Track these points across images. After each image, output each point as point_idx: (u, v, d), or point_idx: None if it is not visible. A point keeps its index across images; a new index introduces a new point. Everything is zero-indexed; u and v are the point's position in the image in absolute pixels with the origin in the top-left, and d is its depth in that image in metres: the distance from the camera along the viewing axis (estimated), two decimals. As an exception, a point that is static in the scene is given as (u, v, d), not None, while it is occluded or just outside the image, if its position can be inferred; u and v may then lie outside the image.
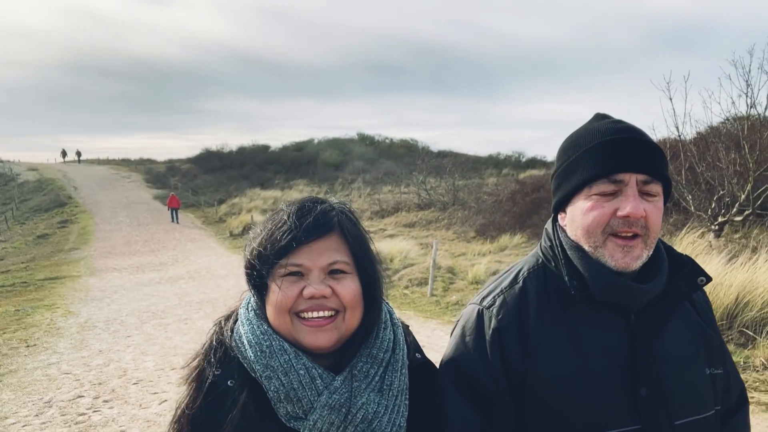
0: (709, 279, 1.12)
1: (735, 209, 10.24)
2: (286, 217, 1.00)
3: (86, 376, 5.28)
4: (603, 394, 1.03)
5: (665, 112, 21.48)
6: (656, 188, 1.04)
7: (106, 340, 6.81)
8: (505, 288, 1.12)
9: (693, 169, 10.98)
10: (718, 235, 10.24)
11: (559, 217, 1.14)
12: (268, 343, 0.97)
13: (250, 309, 1.04)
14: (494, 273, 9.19)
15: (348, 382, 0.98)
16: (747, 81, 10.25)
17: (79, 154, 55.67)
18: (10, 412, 4.44)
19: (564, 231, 1.11)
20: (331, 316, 0.97)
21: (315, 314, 0.96)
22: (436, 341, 6.13)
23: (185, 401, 1.00)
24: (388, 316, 1.08)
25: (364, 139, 44.86)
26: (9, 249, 21.46)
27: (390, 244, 13.15)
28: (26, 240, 22.76)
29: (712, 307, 1.22)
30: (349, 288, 0.98)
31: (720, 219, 10.36)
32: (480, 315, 1.11)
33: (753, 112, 10.34)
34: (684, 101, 12.82)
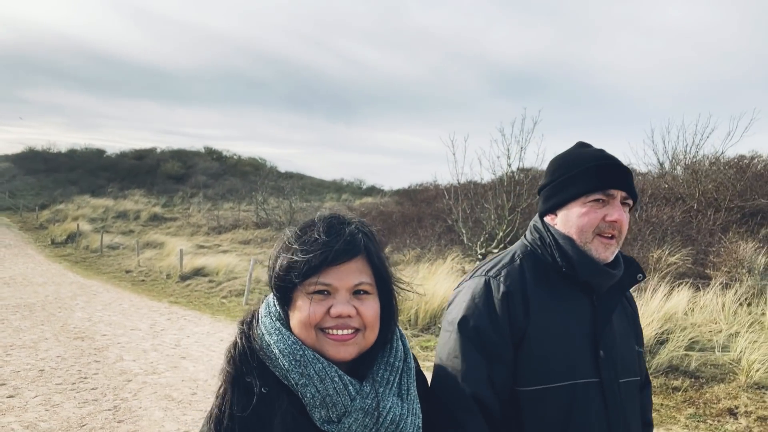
0: (644, 276, 1.48)
1: (495, 243, 13.19)
2: (317, 236, 1.05)
3: None
4: (575, 352, 1.33)
5: (449, 163, 25.32)
6: (630, 202, 1.39)
7: None
8: (507, 263, 1.41)
9: (471, 210, 13.88)
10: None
11: (547, 218, 1.46)
12: (301, 353, 1.02)
13: (274, 318, 1.08)
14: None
15: (374, 387, 1.06)
16: (506, 147, 13.42)
17: None
18: None
19: (554, 227, 1.42)
20: (353, 333, 1.05)
21: (339, 331, 1.03)
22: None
23: (227, 405, 1.03)
24: (397, 328, 1.17)
25: (211, 153, 44.59)
26: None
27: (217, 259, 14.26)
28: None
29: (634, 299, 1.61)
30: (371, 308, 1.06)
31: (484, 249, 13.24)
32: (487, 283, 1.36)
33: (509, 169, 13.51)
34: (464, 156, 15.79)
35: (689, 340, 5.42)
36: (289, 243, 1.08)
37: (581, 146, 1.47)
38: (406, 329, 7.53)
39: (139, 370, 5.97)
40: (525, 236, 1.50)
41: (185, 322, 8.74)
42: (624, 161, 1.45)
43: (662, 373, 4.98)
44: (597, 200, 1.35)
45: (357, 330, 1.05)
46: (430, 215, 17.17)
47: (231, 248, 19.62)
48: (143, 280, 13.50)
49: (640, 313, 5.82)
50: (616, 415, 1.33)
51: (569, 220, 1.38)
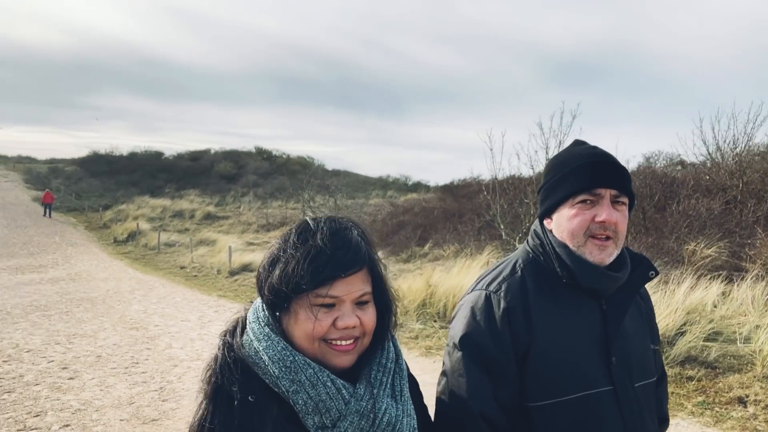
0: (657, 273, 1.41)
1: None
2: (322, 244, 1.01)
3: (-17, 349, 6.61)
4: (585, 363, 1.27)
5: (486, 158, 24.72)
6: (624, 200, 1.31)
7: (-6, 325, 8.01)
8: (507, 275, 1.34)
9: (510, 205, 13.93)
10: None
11: (545, 222, 1.39)
12: (291, 358, 1.00)
13: (263, 324, 1.04)
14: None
15: (369, 389, 1.05)
16: (545, 141, 13.40)
17: None
18: (-77, 369, 5.75)
19: (551, 233, 1.36)
20: (354, 341, 1.05)
21: (343, 342, 1.03)
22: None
23: (209, 418, 0.99)
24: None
25: (261, 153, 45.98)
26: None
27: (260, 255, 14.88)
28: None
29: (649, 295, 1.53)
30: (371, 316, 1.06)
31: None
32: (488, 298, 1.31)
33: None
34: (501, 151, 15.81)
35: (710, 331, 5.43)
36: (290, 250, 1.03)
37: (575, 144, 1.42)
38: (435, 321, 7.80)
39: (185, 356, 6.51)
40: (527, 241, 1.43)
41: (231, 314, 9.23)
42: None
43: (678, 364, 5.04)
44: (585, 201, 1.29)
45: (357, 338, 1.04)
46: (470, 210, 17.27)
47: (278, 245, 20.32)
48: (196, 276, 14.30)
49: (663, 304, 5.91)
50: (633, 423, 1.29)
51: (561, 224, 1.33)
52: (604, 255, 1.28)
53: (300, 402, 0.99)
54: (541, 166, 13.84)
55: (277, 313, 1.03)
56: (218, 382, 1.01)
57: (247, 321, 1.08)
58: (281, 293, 1.01)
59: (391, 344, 1.14)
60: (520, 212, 13.82)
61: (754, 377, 4.62)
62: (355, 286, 1.03)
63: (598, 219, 1.27)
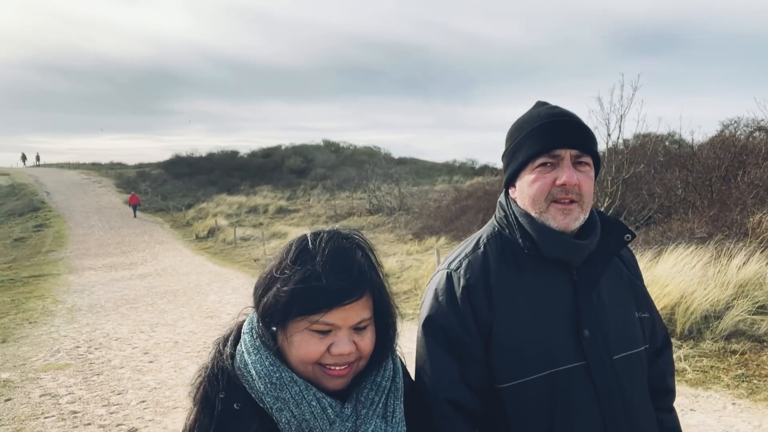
0: (633, 236, 1.34)
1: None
2: (320, 270, 0.97)
3: (80, 337, 7.53)
4: (553, 337, 1.22)
5: None
6: (587, 160, 1.24)
7: (90, 317, 9.01)
8: (469, 252, 1.30)
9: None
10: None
11: (510, 191, 1.33)
12: (278, 375, 0.98)
13: (255, 336, 1.02)
14: (403, 268, 11.59)
15: (356, 410, 1.02)
16: (606, 116, 13.01)
17: (37, 157, 57.38)
18: (32, 355, 6.68)
19: (515, 202, 1.30)
20: (349, 366, 1.01)
21: (338, 367, 1.00)
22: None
23: (194, 424, 1.01)
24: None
25: (329, 146, 47.16)
26: (-12, 251, 23.15)
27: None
28: (3, 243, 24.38)
29: (637, 261, 1.44)
30: (368, 341, 1.02)
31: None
32: (449, 277, 1.27)
33: (608, 139, 13.07)
34: None
35: (761, 304, 5.27)
36: (287, 271, 0.99)
37: (537, 106, 1.34)
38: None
39: (250, 341, 7.10)
40: (495, 214, 1.38)
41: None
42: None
43: (723, 338, 4.97)
44: (545, 164, 1.22)
45: (352, 362, 1.02)
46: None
47: (346, 235, 20.97)
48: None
49: (714, 277, 5.75)
50: (610, 398, 1.22)
51: (523, 191, 1.27)
52: (569, 219, 1.22)
53: (283, 420, 0.98)
54: (602, 144, 13.47)
55: (273, 328, 1.00)
56: (205, 391, 1.00)
57: (242, 331, 1.06)
58: (276, 315, 0.98)
59: (390, 362, 1.09)
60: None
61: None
62: (353, 313, 0.99)
63: (558, 182, 1.21)
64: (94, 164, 57.23)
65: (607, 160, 13.01)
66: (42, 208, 31.71)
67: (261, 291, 1.02)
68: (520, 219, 1.27)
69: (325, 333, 0.98)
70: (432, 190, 29.06)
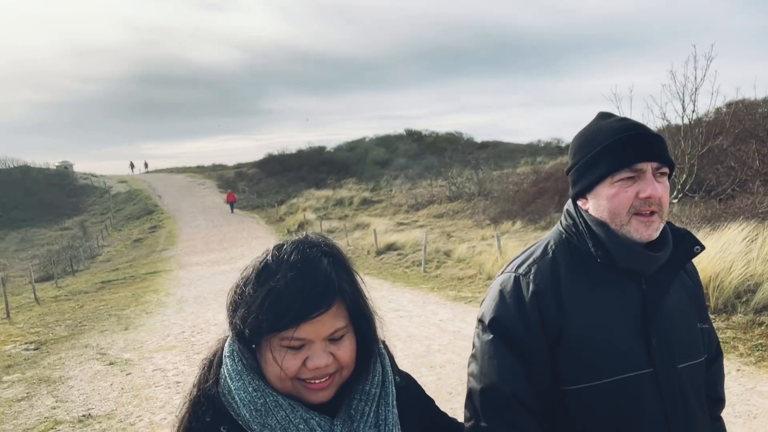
0: (702, 248, 1.35)
1: (674, 192, 12.64)
2: (284, 284, 0.94)
3: (185, 323, 8.85)
4: (622, 344, 1.24)
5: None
6: (665, 171, 1.26)
7: (195, 307, 10.42)
8: (538, 258, 1.32)
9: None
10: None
11: (578, 202, 1.33)
12: (262, 400, 0.95)
13: (237, 360, 0.98)
14: (473, 254, 12.08)
15: (347, 424, 1.00)
16: (680, 89, 12.64)
17: (146, 164, 62.75)
18: (148, 339, 8.03)
19: (587, 212, 1.30)
20: (330, 377, 0.98)
21: (317, 380, 0.97)
22: (406, 299, 9.28)
23: None
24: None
25: (411, 135, 47.83)
26: (113, 252, 26.29)
27: (406, 235, 16.29)
28: (125, 244, 27.57)
29: (697, 271, 1.47)
30: (347, 350, 0.99)
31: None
32: (517, 281, 1.29)
33: (684, 114, 12.67)
34: (630, 106, 15.21)
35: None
36: (252, 290, 0.96)
37: (601, 118, 1.34)
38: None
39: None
40: (560, 221, 1.39)
41: (371, 289, 10.72)
42: None
43: (754, 311, 5.12)
44: (626, 178, 1.23)
45: (333, 374, 0.99)
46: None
47: (426, 223, 21.66)
48: (350, 257, 16.03)
49: (759, 250, 5.78)
50: (674, 405, 1.26)
51: (600, 204, 1.27)
52: (651, 230, 1.24)
53: None
54: (674, 118, 13.06)
55: (253, 345, 0.97)
56: (189, 422, 0.98)
57: (224, 354, 1.02)
58: (245, 336, 0.95)
59: (379, 366, 1.06)
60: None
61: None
62: (325, 325, 0.95)
63: (642, 195, 1.22)
64: (198, 167, 61.95)
65: (683, 134, 12.66)
66: (155, 210, 35.19)
67: (230, 312, 0.99)
68: (594, 228, 1.28)
69: (298, 348, 0.95)
70: (513, 173, 28.86)
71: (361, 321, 1.01)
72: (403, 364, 4.89)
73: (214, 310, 9.81)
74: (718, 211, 8.32)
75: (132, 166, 62.08)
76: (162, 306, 10.98)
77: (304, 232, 1.06)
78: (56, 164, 55.39)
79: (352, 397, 1.02)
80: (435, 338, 6.38)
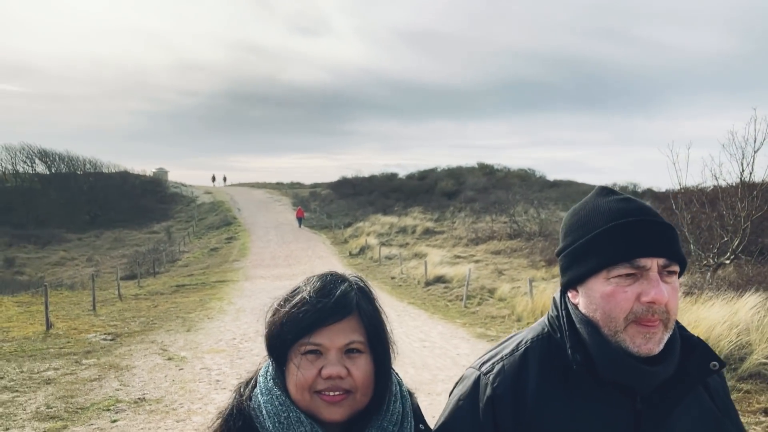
0: (723, 364, 1.07)
1: (727, 254, 12.49)
2: (307, 297, 1.05)
3: (238, 331, 9.95)
4: None
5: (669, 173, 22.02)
6: (674, 269, 1.01)
7: (250, 317, 11.54)
8: (506, 355, 1.11)
9: (696, 217, 13.33)
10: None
11: (569, 294, 1.11)
12: (285, 414, 1.02)
13: (269, 378, 1.08)
14: (514, 295, 12.48)
15: None
16: (742, 149, 12.57)
17: (225, 178, 66.82)
18: (203, 341, 9.18)
19: (576, 307, 1.08)
20: (344, 394, 1.03)
21: (331, 393, 1.02)
22: (436, 332, 9.92)
23: None
24: (398, 388, 1.13)
25: (483, 168, 48.21)
26: (191, 258, 28.53)
27: (455, 269, 16.85)
28: (203, 252, 29.80)
29: (729, 393, 1.16)
30: (362, 369, 1.04)
31: (715, 260, 12.67)
32: (477, 381, 1.11)
33: (743, 174, 12.54)
34: (686, 164, 15.18)
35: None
36: (279, 306, 1.10)
37: (600, 195, 1.11)
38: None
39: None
40: (548, 313, 1.18)
41: (408, 317, 11.46)
42: None
43: (739, 379, 5.39)
44: (624, 275, 1.00)
45: (348, 391, 1.03)
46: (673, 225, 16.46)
47: (482, 258, 22.02)
48: (400, 285, 16.96)
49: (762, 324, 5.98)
50: None
51: (593, 302, 1.04)
52: (652, 344, 0.99)
53: None
54: (729, 178, 12.91)
55: (284, 368, 1.06)
56: (221, 430, 1.07)
57: (258, 374, 1.13)
58: (272, 345, 1.08)
59: (399, 405, 1.10)
60: (714, 226, 13.07)
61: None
62: (341, 334, 1.03)
63: (644, 299, 0.99)
64: (278, 183, 65.18)
65: (740, 195, 12.54)
66: (233, 222, 37.64)
67: (265, 328, 1.12)
68: (578, 325, 1.06)
69: (315, 354, 1.03)
70: (580, 215, 28.53)
71: (377, 345, 1.07)
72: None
73: (264, 322, 10.89)
74: (736, 278, 8.41)
75: (213, 179, 66.02)
76: (222, 313, 12.23)
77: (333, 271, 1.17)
78: (153, 170, 60.21)
79: (369, 430, 1.06)
80: (445, 369, 7.00)
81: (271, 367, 1.11)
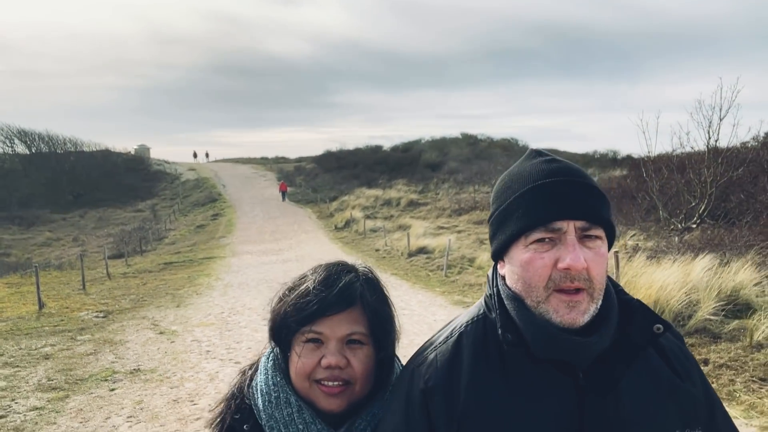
0: (667, 325, 1.00)
1: (695, 218, 13.07)
2: (311, 287, 1.06)
3: (226, 305, 10.36)
4: None
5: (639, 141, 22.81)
6: (598, 233, 0.95)
7: (237, 292, 11.95)
8: (439, 344, 1.05)
9: (665, 183, 13.86)
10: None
11: (499, 265, 1.05)
12: (276, 394, 1.05)
13: (270, 359, 1.11)
14: (490, 262, 12.96)
15: None
16: (708, 119, 13.04)
17: (207, 154, 66.38)
18: (193, 315, 9.58)
19: (503, 279, 1.02)
20: (343, 385, 1.04)
21: (330, 383, 1.03)
22: (416, 300, 10.41)
23: None
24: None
25: (467, 138, 48.50)
26: (177, 236, 28.74)
27: (437, 240, 17.34)
28: (189, 229, 30.00)
29: (690, 355, 1.07)
30: (362, 360, 1.04)
31: (682, 224, 13.24)
32: (411, 375, 1.04)
33: (709, 141, 13.06)
34: (656, 132, 15.60)
35: (724, 307, 6.04)
36: (284, 295, 1.11)
37: (527, 158, 1.04)
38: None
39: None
40: (485, 292, 1.09)
41: (390, 288, 11.78)
42: None
43: (686, 335, 5.92)
44: (542, 240, 0.93)
45: (347, 382, 1.03)
46: (645, 191, 17.03)
47: (465, 228, 22.52)
48: (384, 257, 17.42)
49: (714, 282, 6.53)
50: None
51: (514, 271, 0.98)
52: (575, 313, 0.92)
53: None
54: (696, 145, 13.41)
55: (288, 354, 1.08)
56: (222, 413, 1.11)
57: (261, 358, 1.15)
58: (276, 332, 1.11)
59: None
60: (682, 191, 13.61)
61: (743, 346, 5.37)
62: (342, 324, 1.04)
63: (560, 265, 0.92)
64: (262, 158, 65.01)
65: (706, 162, 13.06)
66: (218, 199, 37.73)
67: (270, 316, 1.14)
68: (506, 302, 1.00)
69: (316, 343, 1.04)
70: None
71: (381, 336, 1.07)
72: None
73: (251, 296, 11.29)
74: (699, 241, 8.94)
75: (195, 155, 65.40)
76: (210, 289, 12.61)
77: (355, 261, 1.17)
78: (135, 147, 59.62)
79: (358, 416, 1.06)
80: (422, 335, 7.48)
81: (274, 353, 1.13)
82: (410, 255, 16.45)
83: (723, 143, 12.88)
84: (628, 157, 39.43)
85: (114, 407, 5.27)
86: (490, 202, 1.07)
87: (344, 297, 1.06)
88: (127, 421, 4.90)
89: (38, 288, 11.42)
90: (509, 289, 1.00)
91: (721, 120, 12.59)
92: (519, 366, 0.97)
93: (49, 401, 5.50)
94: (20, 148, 49.00)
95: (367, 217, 26.03)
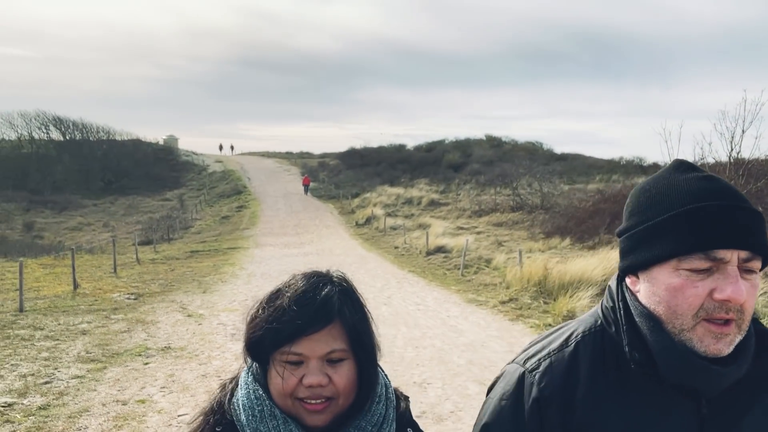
0: None
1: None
2: (286, 306, 1.03)
3: (249, 293, 10.85)
4: None
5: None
6: (757, 265, 0.87)
7: (260, 281, 12.44)
8: (554, 351, 0.99)
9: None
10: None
11: (628, 280, 0.97)
12: (259, 408, 1.03)
13: (249, 372, 1.09)
14: (511, 264, 13.26)
15: None
16: (731, 131, 13.11)
17: (232, 147, 67.06)
18: (218, 301, 10.09)
19: (634, 295, 0.95)
20: (326, 401, 1.02)
21: (313, 401, 1.02)
22: (432, 297, 10.78)
23: None
24: (383, 390, 1.11)
25: (490, 140, 48.56)
26: (203, 225, 29.54)
27: (456, 239, 17.64)
28: (214, 219, 30.78)
29: None
30: (344, 376, 1.03)
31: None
32: (521, 379, 0.99)
33: (732, 152, 13.11)
34: (678, 142, 15.56)
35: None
36: (260, 311, 1.08)
37: (677, 171, 0.93)
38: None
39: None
40: (602, 302, 1.02)
41: (406, 284, 12.31)
42: None
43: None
44: (697, 268, 0.86)
45: (330, 398, 1.02)
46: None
47: (484, 230, 22.80)
48: (402, 254, 17.80)
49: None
50: None
51: (656, 293, 0.90)
52: (722, 345, 0.86)
53: None
54: (718, 156, 13.46)
55: (266, 367, 1.06)
56: (200, 427, 1.08)
57: (242, 370, 1.12)
58: (253, 351, 1.07)
59: (382, 408, 1.08)
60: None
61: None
62: (321, 343, 1.01)
63: (718, 296, 0.85)
64: (287, 153, 65.82)
65: (728, 174, 13.13)
66: (244, 192, 38.51)
67: (245, 334, 1.09)
68: (637, 319, 0.93)
69: (297, 364, 1.02)
70: (584, 189, 29.13)
71: (360, 350, 1.05)
72: (398, 343, 6.48)
73: (272, 285, 11.77)
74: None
75: (221, 147, 65.93)
76: (235, 277, 13.15)
77: (330, 269, 1.14)
78: (164, 137, 60.92)
79: (348, 427, 1.05)
80: (434, 328, 7.84)
81: (252, 368, 1.10)
82: (428, 253, 16.79)
83: (745, 155, 12.94)
84: (654, 165, 39.24)
85: (148, 379, 5.76)
86: (626, 213, 0.97)
87: (322, 315, 1.02)
88: (161, 391, 5.38)
89: (74, 269, 12.07)
90: (643, 306, 0.93)
91: (744, 132, 12.65)
92: (640, 385, 0.93)
93: (88, 371, 6.01)
94: (55, 135, 50.59)
95: (388, 214, 26.43)
